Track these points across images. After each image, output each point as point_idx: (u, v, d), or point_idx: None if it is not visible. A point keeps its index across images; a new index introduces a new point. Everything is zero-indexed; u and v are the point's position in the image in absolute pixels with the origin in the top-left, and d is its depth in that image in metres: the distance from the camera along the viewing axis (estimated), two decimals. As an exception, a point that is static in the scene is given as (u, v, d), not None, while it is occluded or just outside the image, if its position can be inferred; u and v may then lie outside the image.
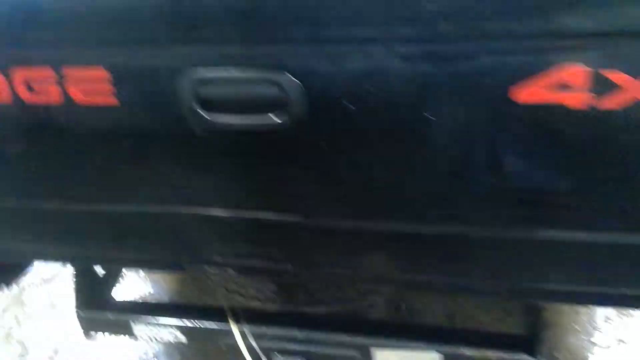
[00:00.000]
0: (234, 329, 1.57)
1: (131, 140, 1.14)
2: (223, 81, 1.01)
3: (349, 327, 1.50)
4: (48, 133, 1.16)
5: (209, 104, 1.03)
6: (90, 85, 1.06)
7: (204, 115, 1.03)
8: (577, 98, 0.85)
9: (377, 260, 1.24)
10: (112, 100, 1.06)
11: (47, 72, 1.06)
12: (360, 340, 1.46)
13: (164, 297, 2.25)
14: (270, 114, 1.00)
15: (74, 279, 1.84)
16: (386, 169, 1.05)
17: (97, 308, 1.85)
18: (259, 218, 1.17)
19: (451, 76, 0.90)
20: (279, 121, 1.00)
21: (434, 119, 0.94)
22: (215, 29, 0.96)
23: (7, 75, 1.09)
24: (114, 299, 1.88)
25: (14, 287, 2.48)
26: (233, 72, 0.99)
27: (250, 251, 1.26)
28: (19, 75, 1.08)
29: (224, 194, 1.17)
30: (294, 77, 0.96)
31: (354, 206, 1.13)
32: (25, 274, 1.92)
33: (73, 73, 1.05)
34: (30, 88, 1.09)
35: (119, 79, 1.04)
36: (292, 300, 1.69)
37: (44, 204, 1.30)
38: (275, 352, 1.52)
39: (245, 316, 1.55)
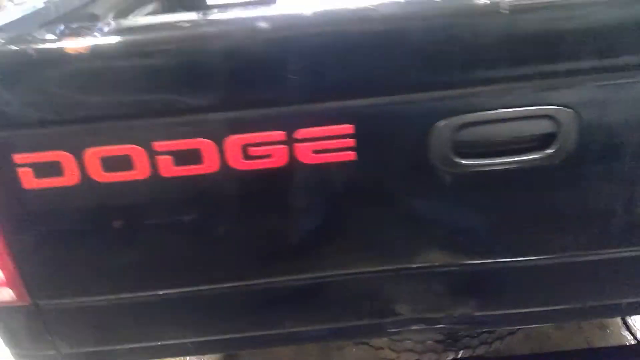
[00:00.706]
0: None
1: (360, 196, 1.02)
2: (488, 122, 0.94)
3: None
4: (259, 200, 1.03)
5: (467, 148, 0.96)
6: (326, 143, 0.96)
7: (459, 160, 0.96)
8: None
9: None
10: (350, 156, 0.97)
11: (276, 135, 0.96)
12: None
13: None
14: (537, 152, 0.96)
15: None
16: None
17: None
18: (505, 262, 1.09)
19: None
20: (546, 158, 0.96)
21: None
22: (491, 68, 0.91)
23: (219, 144, 0.96)
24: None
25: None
26: (501, 112, 0.94)
27: (477, 301, 1.17)
28: (235, 141, 0.96)
29: (463, 243, 1.08)
30: (572, 110, 0.93)
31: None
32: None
33: (305, 132, 0.95)
34: (246, 154, 0.97)
35: (364, 132, 0.95)
36: (455, 346, 1.59)
37: (220, 284, 1.10)
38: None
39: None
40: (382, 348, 1.59)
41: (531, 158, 0.96)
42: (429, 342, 1.53)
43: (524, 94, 0.92)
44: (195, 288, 1.09)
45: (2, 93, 0.92)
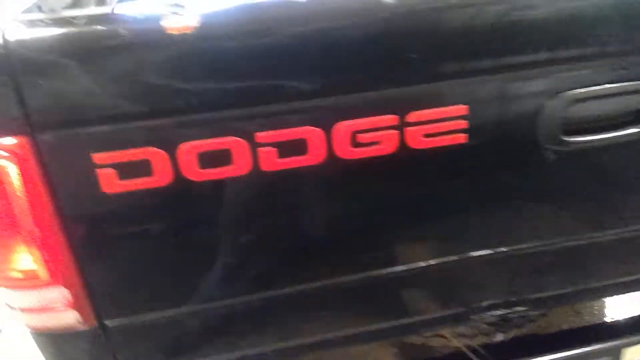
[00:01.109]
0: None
1: (466, 180, 0.99)
2: (593, 99, 0.94)
3: (591, 336, 1.45)
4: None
5: (573, 125, 0.96)
6: (439, 125, 0.91)
7: (566, 138, 0.96)
8: None
9: None
10: (461, 138, 0.93)
11: (388, 120, 0.89)
12: (611, 343, 1.44)
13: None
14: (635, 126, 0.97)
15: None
16: None
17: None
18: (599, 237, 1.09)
19: None
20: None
21: None
22: (607, 44, 0.90)
23: (327, 132, 0.89)
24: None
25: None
26: (607, 88, 0.94)
27: (565, 279, 1.17)
28: (345, 128, 0.88)
29: (566, 221, 1.07)
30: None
31: None
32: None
33: (419, 115, 0.90)
34: (355, 142, 0.91)
35: (478, 113, 0.91)
36: (506, 326, 1.59)
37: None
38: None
39: (489, 354, 1.42)
40: (440, 335, 1.56)
41: (630, 132, 0.97)
42: (483, 325, 1.54)
43: (630, 69, 0.93)
44: (294, 288, 1.00)
45: (83, 82, 0.79)
